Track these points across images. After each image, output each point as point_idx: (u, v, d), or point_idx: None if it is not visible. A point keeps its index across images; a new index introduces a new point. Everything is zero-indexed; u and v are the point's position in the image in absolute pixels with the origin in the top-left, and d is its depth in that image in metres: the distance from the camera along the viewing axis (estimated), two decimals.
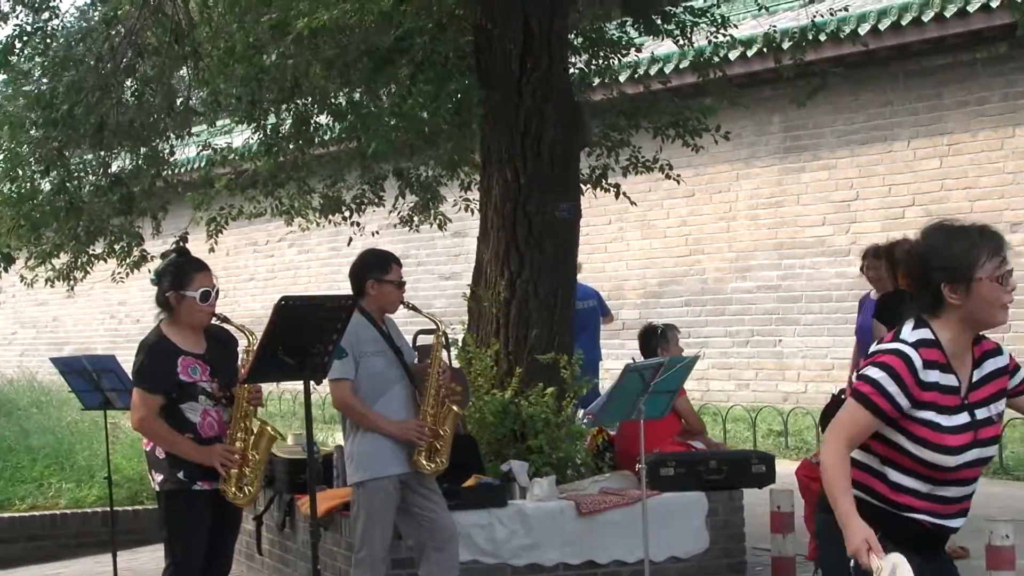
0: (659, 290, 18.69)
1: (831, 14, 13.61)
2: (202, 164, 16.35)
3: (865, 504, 4.42)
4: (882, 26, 15.33)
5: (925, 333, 4.45)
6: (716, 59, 12.78)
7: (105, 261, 13.19)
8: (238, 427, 6.91)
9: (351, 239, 14.03)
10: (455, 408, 7.83)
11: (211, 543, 6.92)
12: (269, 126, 12.25)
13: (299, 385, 6.83)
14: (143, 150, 12.23)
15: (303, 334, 6.72)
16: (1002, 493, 11.47)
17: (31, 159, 11.65)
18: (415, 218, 13.75)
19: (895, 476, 4.47)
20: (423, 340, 9.76)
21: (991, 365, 4.56)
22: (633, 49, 12.57)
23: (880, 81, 16.25)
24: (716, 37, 12.39)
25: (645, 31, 12.04)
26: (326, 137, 12.54)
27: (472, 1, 10.76)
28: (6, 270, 12.43)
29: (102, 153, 11.96)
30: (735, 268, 17.82)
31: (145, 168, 12.35)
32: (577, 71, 12.18)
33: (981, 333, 4.55)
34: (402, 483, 7.70)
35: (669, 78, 15.08)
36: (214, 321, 7.04)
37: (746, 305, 17.71)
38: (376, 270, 7.80)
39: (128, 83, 11.69)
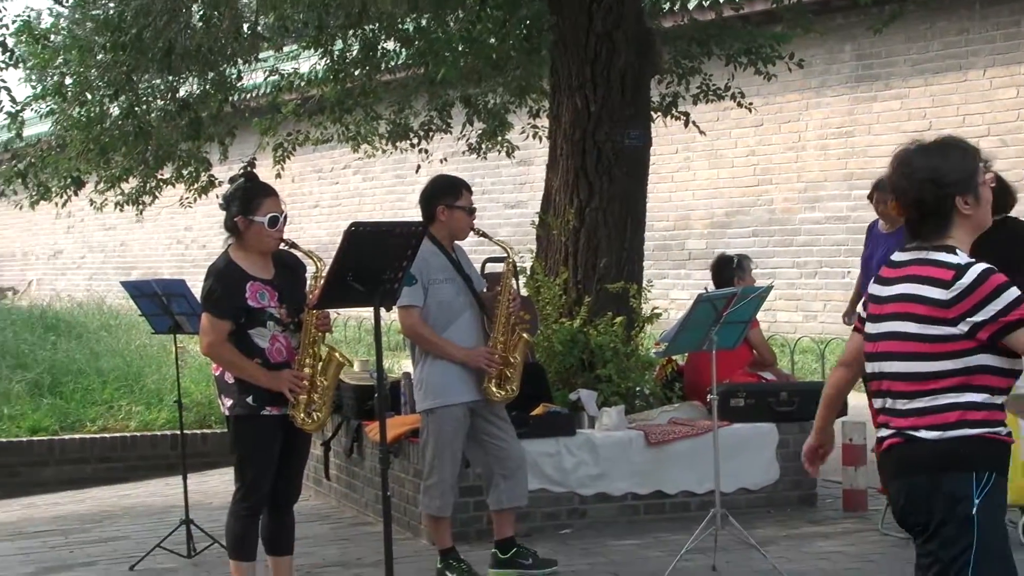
0: (726, 220, 18.54)
1: None
2: (269, 90, 16.29)
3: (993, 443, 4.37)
4: None
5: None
6: None
7: (173, 186, 13.22)
8: (306, 353, 6.87)
9: (419, 166, 13.96)
10: (525, 336, 7.78)
11: (280, 468, 6.91)
12: (336, 52, 12.19)
13: (364, 312, 6.78)
14: (210, 75, 12.19)
15: (373, 260, 6.65)
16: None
17: (100, 83, 11.64)
18: (483, 145, 13.66)
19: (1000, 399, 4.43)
20: (491, 268, 9.73)
21: None
22: None
23: (956, 9, 15.95)
24: None
25: None
26: (393, 63, 12.46)
27: None
28: (76, 194, 12.48)
29: (170, 78, 11.92)
30: (804, 199, 17.63)
31: (212, 93, 12.33)
32: None
33: None
34: (471, 411, 7.67)
35: (741, 5, 14.84)
36: (282, 246, 6.99)
37: (814, 236, 17.53)
38: (447, 196, 7.74)
39: (195, 7, 11.62)
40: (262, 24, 12.89)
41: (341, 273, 6.61)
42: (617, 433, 9.26)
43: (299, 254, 7.07)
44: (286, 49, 14.76)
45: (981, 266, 4.36)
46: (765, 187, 18.11)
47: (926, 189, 4.45)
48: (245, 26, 12.48)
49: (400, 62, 12.34)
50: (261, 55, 13.61)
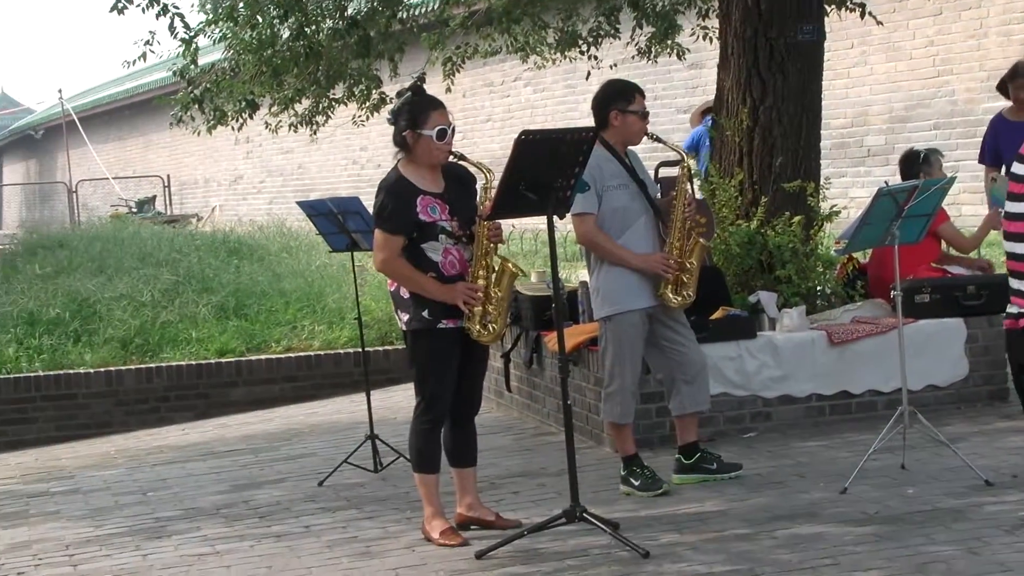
0: (906, 114, 18.10)
1: None
2: (436, 4, 16.28)
3: None
4: None
5: None
6: None
7: (345, 105, 13.32)
8: (479, 265, 6.86)
9: (589, 73, 13.84)
10: (701, 240, 7.67)
11: (460, 381, 6.93)
12: None
13: (540, 223, 6.72)
14: None
15: (545, 168, 6.60)
16: None
17: (269, 5, 11.72)
18: (652, 49, 13.48)
19: None
20: (665, 172, 9.62)
21: None
22: None
23: None
24: None
25: None
26: None
27: None
28: (251, 117, 12.63)
29: None
30: (986, 88, 17.08)
31: (380, 10, 12.36)
32: None
33: None
34: (649, 316, 7.60)
35: None
36: (451, 159, 6.97)
37: None
38: (620, 100, 7.63)
39: None
40: None
41: (513, 183, 6.57)
42: (799, 334, 9.12)
43: (469, 166, 7.04)
44: None
45: None
46: (946, 78, 17.62)
47: None
48: None
49: None
50: None
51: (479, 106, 26.71)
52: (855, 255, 10.01)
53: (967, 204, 17.05)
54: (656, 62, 14.05)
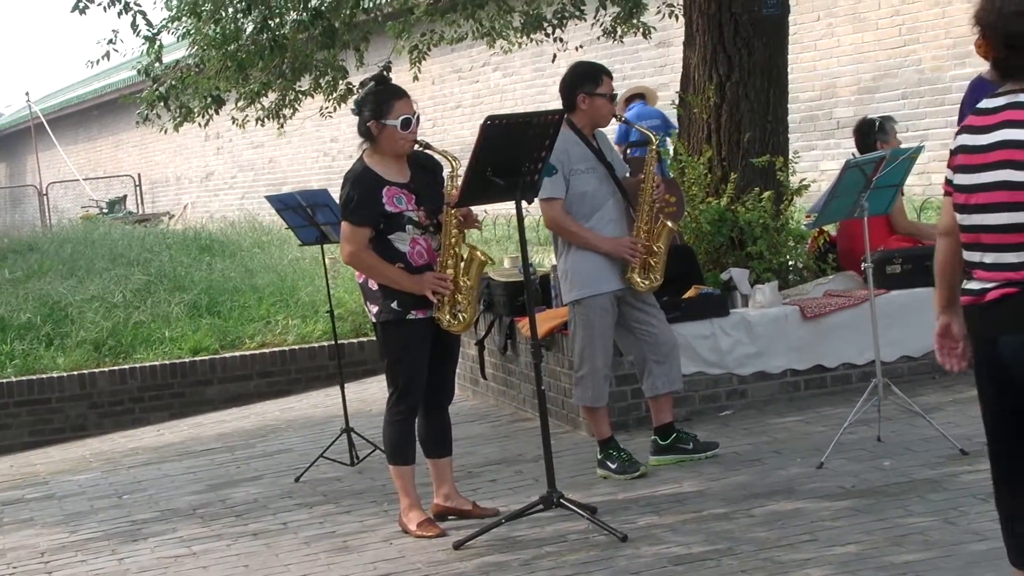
0: (873, 84, 18.07)
1: None
2: None
3: None
4: None
5: None
6: None
7: (312, 97, 13.26)
8: (448, 254, 6.81)
9: (555, 56, 13.80)
10: (669, 224, 7.63)
11: (432, 371, 6.89)
12: None
13: (512, 208, 6.69)
14: None
15: (511, 152, 6.56)
16: None
17: None
18: (618, 29, 13.44)
19: None
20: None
21: None
22: None
23: None
24: None
25: None
26: None
27: None
28: (217, 112, 12.58)
29: None
30: (954, 55, 17.08)
31: (345, 0, 12.27)
32: None
33: None
34: (618, 299, 7.56)
35: None
36: (417, 148, 6.92)
37: (978, 106, 17.01)
38: (587, 83, 7.59)
39: None
40: None
41: (480, 169, 6.53)
42: (772, 310, 9.09)
43: (434, 154, 6.99)
44: None
45: None
46: (912, 47, 17.59)
47: (1014, 23, 4.15)
48: None
49: None
50: None
51: (448, 93, 26.63)
52: (826, 228, 9.97)
53: (936, 172, 17.04)
54: (623, 42, 14.01)
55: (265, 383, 14.35)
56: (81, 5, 11.06)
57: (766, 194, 9.63)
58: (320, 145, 30.76)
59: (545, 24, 13.29)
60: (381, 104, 6.83)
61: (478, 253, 6.89)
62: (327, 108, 13.35)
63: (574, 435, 8.82)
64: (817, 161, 17.27)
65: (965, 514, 6.15)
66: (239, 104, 12.99)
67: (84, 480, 9.94)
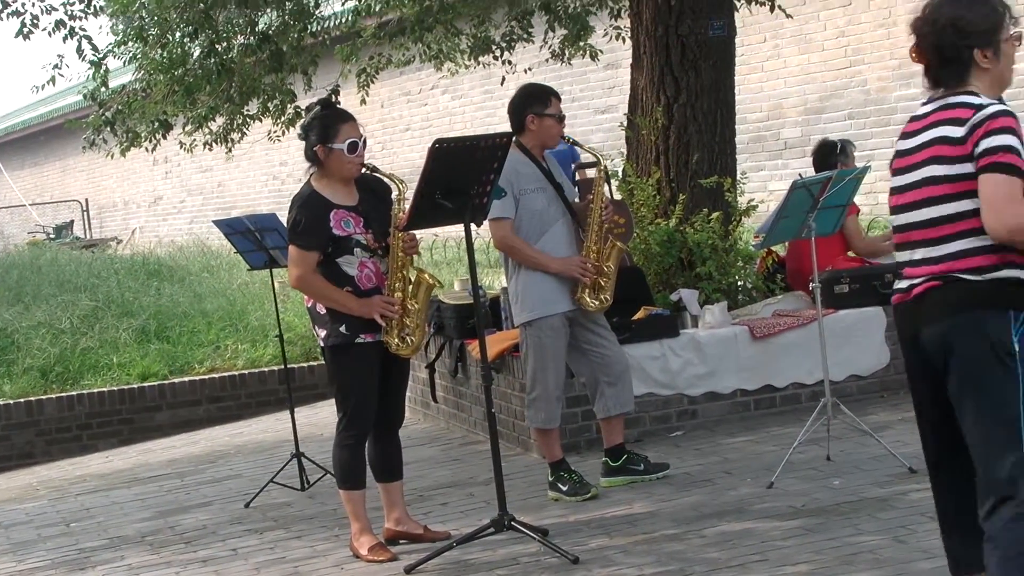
0: (820, 105, 18.17)
1: None
2: (348, 17, 16.19)
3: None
4: None
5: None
6: None
7: (260, 121, 13.22)
8: (396, 277, 6.80)
9: (504, 79, 13.82)
10: (619, 244, 7.64)
11: (381, 394, 6.87)
12: None
13: (462, 231, 6.68)
14: (289, 5, 12.15)
15: (460, 175, 6.56)
16: None
17: (179, 23, 11.61)
18: (566, 51, 13.49)
19: None
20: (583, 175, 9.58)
21: None
22: None
23: None
24: None
25: None
26: None
27: None
28: (164, 137, 12.52)
29: (248, 11, 11.85)
30: (899, 76, 17.21)
31: (292, 24, 12.28)
32: None
33: None
34: (570, 320, 7.56)
35: None
36: (364, 171, 6.91)
37: (911, 113, 17.12)
38: (535, 104, 7.60)
39: None
40: None
41: (429, 192, 6.53)
42: (721, 330, 9.12)
43: (381, 177, 6.98)
44: None
45: (1001, 106, 4.27)
46: (858, 67, 17.71)
47: (945, 36, 4.37)
48: None
49: None
50: None
51: (397, 116, 26.61)
52: (774, 248, 10.02)
53: (882, 192, 17.11)
54: (571, 64, 14.05)
55: (215, 408, 14.26)
56: (25, 30, 11.01)
57: (715, 215, 9.67)
58: (269, 169, 30.66)
59: (493, 47, 13.31)
60: (327, 128, 6.83)
61: (426, 276, 6.89)
62: (276, 132, 13.30)
63: (525, 457, 8.80)
64: (765, 182, 17.35)
65: (914, 532, 6.18)
66: (187, 128, 12.93)
67: (31, 508, 9.84)
